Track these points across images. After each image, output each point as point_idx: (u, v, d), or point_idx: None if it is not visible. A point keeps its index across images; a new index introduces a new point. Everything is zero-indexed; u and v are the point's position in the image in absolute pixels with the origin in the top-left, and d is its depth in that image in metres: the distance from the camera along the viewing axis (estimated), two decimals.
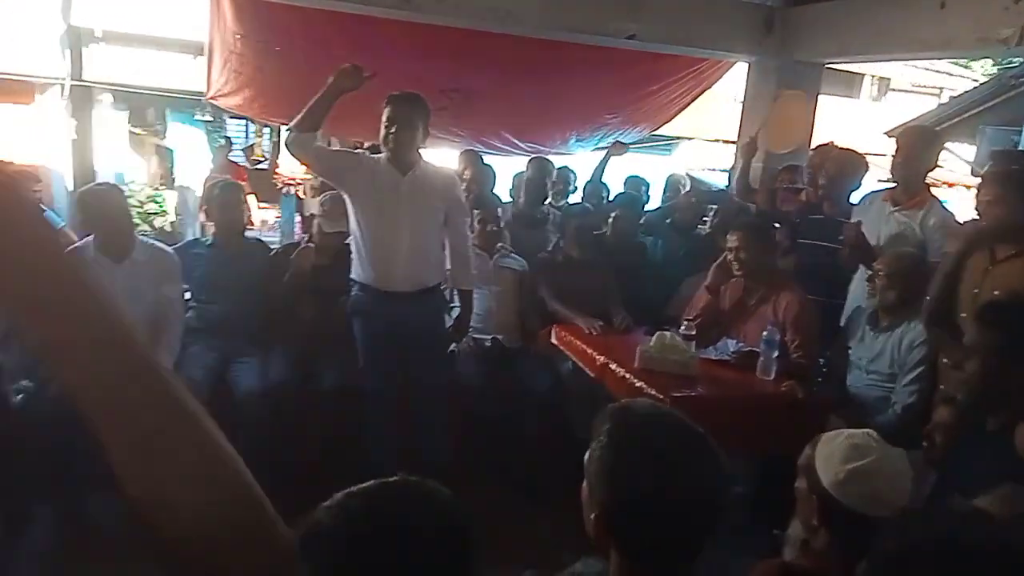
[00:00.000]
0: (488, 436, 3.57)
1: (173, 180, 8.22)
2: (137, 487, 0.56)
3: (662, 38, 4.32)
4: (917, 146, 3.16)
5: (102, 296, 0.57)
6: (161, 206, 7.61)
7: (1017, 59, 5.63)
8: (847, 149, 3.77)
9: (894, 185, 3.24)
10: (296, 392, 3.28)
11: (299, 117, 2.97)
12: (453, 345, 3.61)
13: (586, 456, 1.16)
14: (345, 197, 3.16)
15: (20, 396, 2.93)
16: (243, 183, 6.29)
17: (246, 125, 8.56)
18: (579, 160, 5.90)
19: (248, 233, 4.52)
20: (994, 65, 13.17)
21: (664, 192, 5.16)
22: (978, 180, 3.02)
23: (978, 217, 2.76)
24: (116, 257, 3.10)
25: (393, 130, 3.00)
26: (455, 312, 3.57)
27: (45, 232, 0.56)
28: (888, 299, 2.93)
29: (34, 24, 5.13)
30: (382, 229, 3.08)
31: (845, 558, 1.49)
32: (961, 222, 3.24)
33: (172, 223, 7.17)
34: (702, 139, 9.63)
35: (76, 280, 0.56)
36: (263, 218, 7.55)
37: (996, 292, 2.47)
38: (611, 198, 4.76)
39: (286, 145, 3.10)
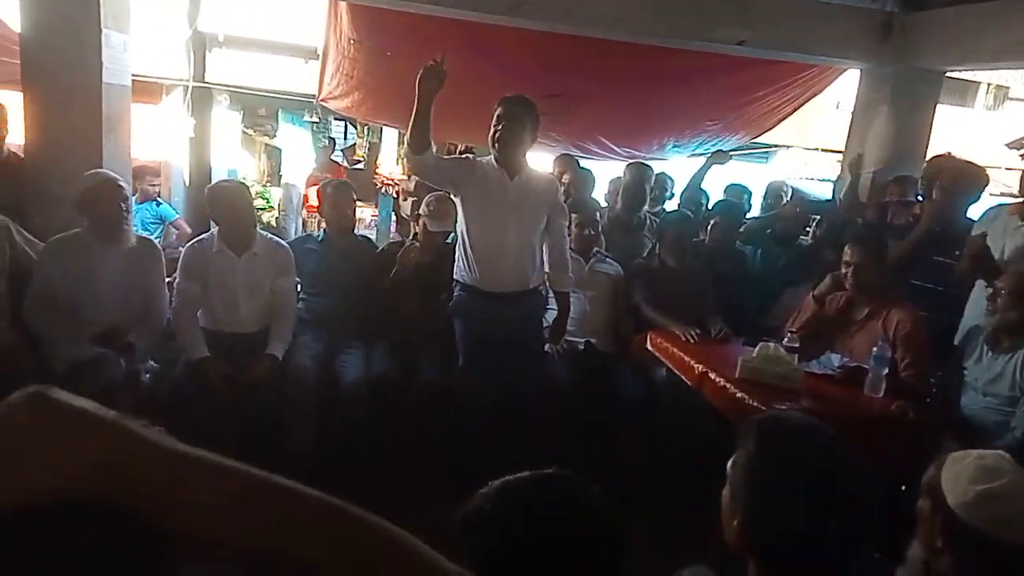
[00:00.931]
0: (579, 440, 3.59)
1: (280, 177, 8.63)
2: None
3: (773, 44, 4.23)
4: None
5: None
6: (268, 202, 7.99)
7: None
8: (965, 160, 3.60)
9: (1022, 199, 3.08)
10: (396, 385, 3.39)
11: (408, 139, 3.06)
12: (548, 347, 3.64)
13: (730, 462, 1.18)
14: (454, 199, 3.25)
15: (148, 376, 3.16)
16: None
17: (345, 126, 8.87)
18: (675, 166, 5.86)
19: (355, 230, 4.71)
20: None
21: (764, 200, 5.05)
22: None
23: None
24: (238, 249, 3.29)
25: (502, 128, 3.06)
26: (550, 314, 3.61)
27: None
28: (1010, 319, 2.79)
29: (164, 29, 5.50)
30: (490, 231, 3.16)
31: None
32: None
33: (277, 218, 7.51)
34: (800, 147, 9.35)
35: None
36: (360, 217, 7.81)
37: None
38: (710, 206, 4.70)
39: (405, 163, 3.23)
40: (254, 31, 6.28)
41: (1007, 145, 5.01)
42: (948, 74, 4.59)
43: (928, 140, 4.45)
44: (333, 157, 7.69)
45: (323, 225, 3.80)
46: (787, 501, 1.09)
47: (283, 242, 3.50)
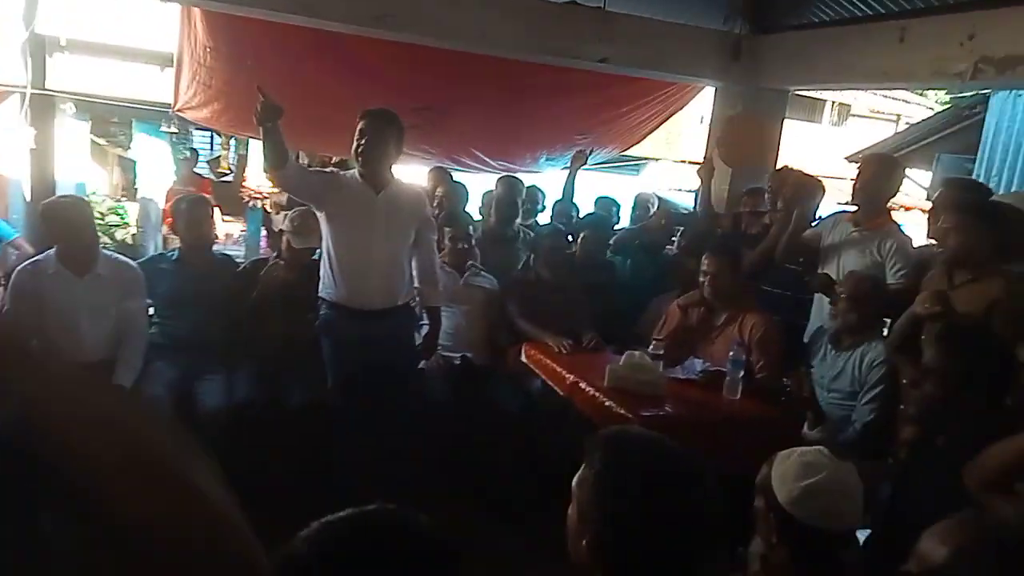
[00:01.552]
0: (457, 454, 3.55)
1: (136, 192, 8.08)
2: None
3: (633, 63, 4.40)
4: (879, 174, 3.26)
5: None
6: (123, 218, 7.46)
7: (970, 91, 5.85)
8: (803, 172, 3.87)
9: (855, 208, 3.33)
10: (262, 410, 3.22)
11: (263, 157, 3.00)
12: (422, 363, 3.59)
13: (575, 481, 1.17)
14: (319, 214, 3.15)
15: None
16: (207, 196, 6.23)
17: (211, 137, 8.46)
18: (548, 178, 5.97)
19: (213, 247, 4.47)
20: (947, 94, 13.68)
21: (633, 212, 5.23)
22: (932, 206, 3.12)
23: (935, 243, 2.86)
24: (79, 271, 3.03)
25: (364, 142, 3.01)
26: (424, 330, 3.56)
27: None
28: (849, 321, 3.01)
29: None
30: (356, 246, 3.08)
31: (803, 572, 1.53)
32: (917, 246, 3.37)
33: (133, 235, 7.02)
34: (670, 160, 9.80)
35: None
36: (227, 231, 7.45)
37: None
38: (581, 217, 4.80)
39: (269, 180, 3.12)
40: (103, 35, 5.86)
41: (846, 159, 5.38)
42: (797, 92, 4.93)
43: (778, 154, 4.75)
44: (196, 169, 7.30)
45: (174, 243, 3.57)
46: (634, 517, 1.10)
47: (131, 262, 3.27)
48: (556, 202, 5.04)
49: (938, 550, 1.06)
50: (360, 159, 3.03)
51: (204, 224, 3.46)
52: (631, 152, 7.37)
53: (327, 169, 3.78)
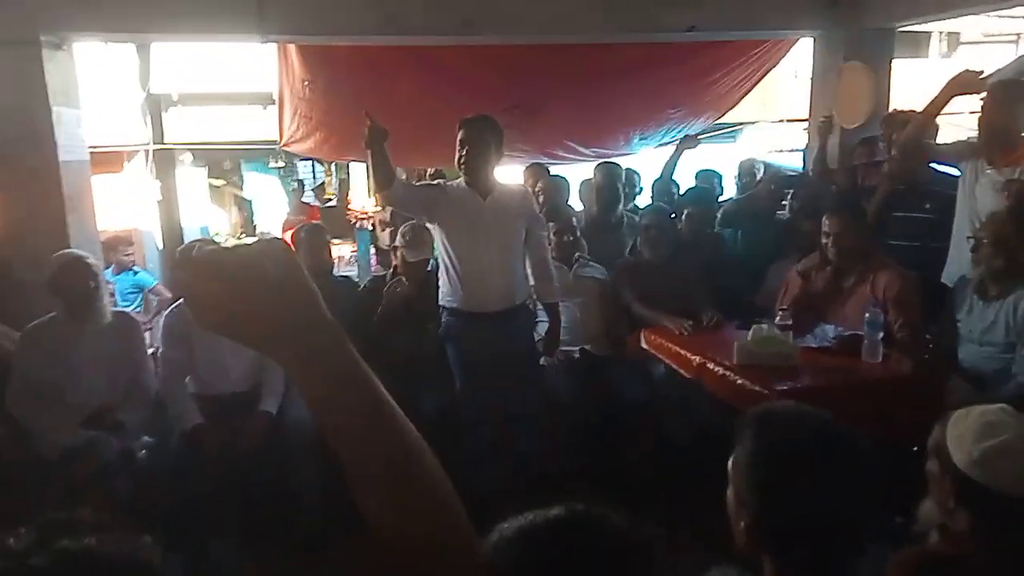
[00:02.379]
0: (587, 448, 3.56)
1: (254, 227, 8.59)
2: (380, 515, 0.67)
3: (723, 25, 4.23)
4: (1008, 102, 3.00)
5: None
6: None
7: None
8: (907, 112, 3.62)
9: (985, 144, 3.07)
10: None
11: (373, 180, 3.12)
12: (544, 360, 3.61)
13: (730, 463, 1.15)
14: (431, 226, 3.25)
15: (144, 452, 3.09)
16: (316, 222, 6.53)
17: (313, 166, 8.86)
18: (642, 158, 5.86)
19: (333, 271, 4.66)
20: None
21: (738, 180, 5.05)
22: None
23: None
24: None
25: (465, 152, 3.07)
26: (541, 328, 3.59)
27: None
28: (995, 266, 2.78)
29: (117, 96, 5.47)
30: (471, 253, 3.16)
31: (989, 538, 1.42)
32: None
33: None
34: (768, 121, 9.38)
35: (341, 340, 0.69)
36: (339, 254, 7.77)
37: None
38: (682, 193, 4.69)
39: (378, 201, 3.25)
40: (208, 85, 6.26)
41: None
42: (899, 29, 4.60)
43: (889, 97, 4.46)
44: (304, 199, 7.66)
45: None
46: (792, 493, 1.07)
47: None
48: (655, 181, 4.94)
49: None
50: (464, 168, 3.11)
51: (324, 250, 3.63)
52: (726, 119, 7.12)
53: (434, 182, 3.86)
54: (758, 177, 4.88)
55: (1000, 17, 13.66)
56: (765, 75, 5.29)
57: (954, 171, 3.32)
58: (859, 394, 2.88)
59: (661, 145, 5.89)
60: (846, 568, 1.09)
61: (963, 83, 3.10)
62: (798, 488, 1.06)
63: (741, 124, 9.47)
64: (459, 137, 3.08)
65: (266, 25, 3.37)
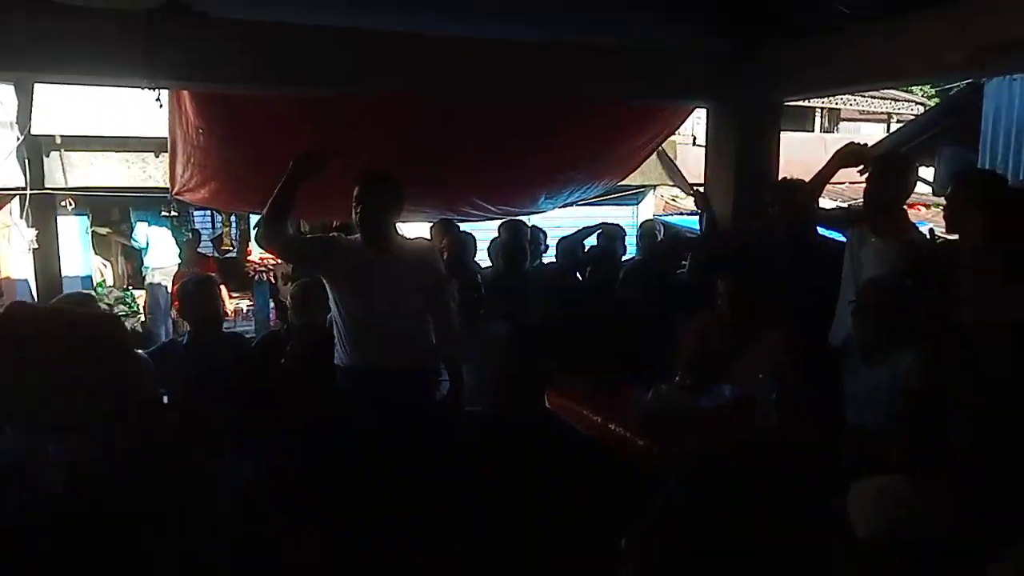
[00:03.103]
0: (498, 509, 3.44)
1: (143, 279, 8.10)
2: None
3: (624, 93, 4.38)
4: (891, 173, 3.20)
5: None
6: (131, 307, 7.46)
7: (962, 82, 5.82)
8: (794, 179, 3.82)
9: (870, 214, 3.25)
10: (283, 487, 3.13)
11: (265, 210, 2.96)
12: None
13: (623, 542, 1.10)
14: (324, 281, 3.11)
15: None
16: (213, 274, 6.22)
17: (212, 215, 8.52)
18: (549, 217, 5.94)
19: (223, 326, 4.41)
20: (933, 88, 13.70)
21: (639, 241, 5.17)
22: (952, 200, 3.01)
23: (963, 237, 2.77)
24: None
25: (360, 210, 3.00)
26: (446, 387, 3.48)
27: None
28: (865, 333, 2.90)
29: None
30: (360, 310, 3.05)
31: None
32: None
33: (143, 323, 7.01)
34: (669, 184, 9.77)
35: None
36: (236, 307, 7.44)
37: None
38: (587, 251, 4.74)
39: (256, 239, 3.08)
40: (96, 128, 5.92)
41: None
42: (786, 103, 4.89)
43: (777, 166, 4.70)
44: (200, 249, 7.32)
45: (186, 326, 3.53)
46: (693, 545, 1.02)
47: (141, 353, 3.22)
48: (560, 240, 4.99)
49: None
50: (359, 224, 3.02)
51: (212, 303, 3.42)
52: (629, 181, 7.34)
53: (328, 235, 3.74)
54: (658, 238, 5.01)
55: (874, 98, 14.99)
56: (663, 141, 5.49)
57: (840, 237, 3.50)
58: (755, 452, 2.92)
59: (566, 205, 5.99)
60: None
61: (849, 155, 3.28)
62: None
63: (644, 187, 9.83)
64: (355, 193, 3.01)
65: (155, 72, 3.20)
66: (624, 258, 4.90)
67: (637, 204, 10.14)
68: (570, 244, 4.86)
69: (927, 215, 6.41)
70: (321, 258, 3.09)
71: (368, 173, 3.03)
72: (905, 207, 3.28)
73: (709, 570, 1.05)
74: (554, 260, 4.85)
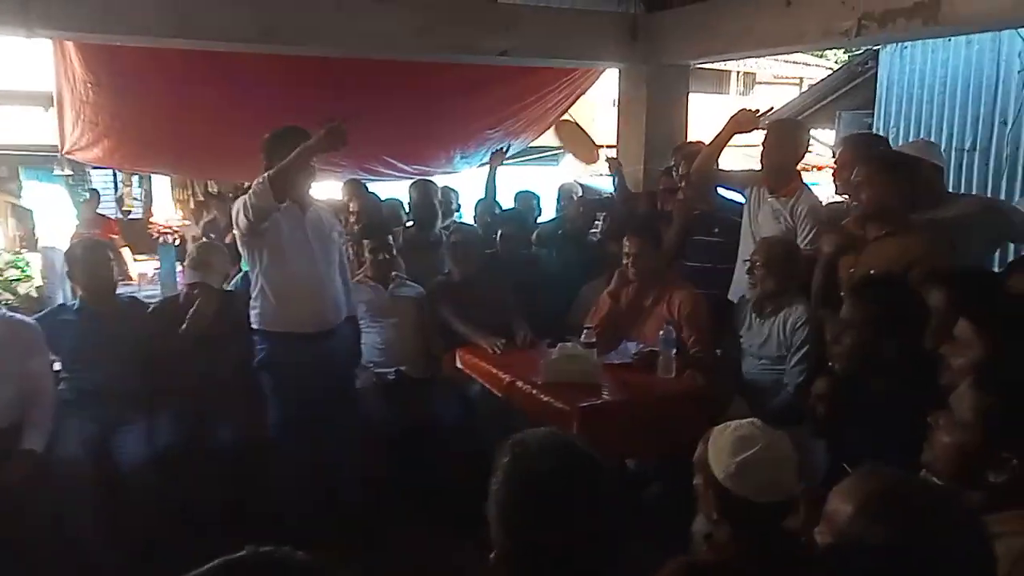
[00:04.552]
0: (404, 471, 3.47)
1: (36, 241, 7.61)
2: None
3: (533, 52, 4.37)
4: (783, 139, 3.32)
5: None
6: (24, 271, 7.01)
7: (860, 49, 6.05)
8: (696, 143, 3.93)
9: (766, 175, 3.37)
10: (189, 454, 3.07)
11: (271, 185, 2.71)
12: (358, 382, 3.49)
13: (488, 494, 1.13)
14: (245, 247, 3.00)
15: None
16: (116, 236, 5.93)
17: (113, 174, 8.06)
18: (465, 177, 5.91)
19: (127, 288, 4.26)
20: (845, 53, 14.20)
21: (557, 202, 5.20)
22: (836, 162, 3.19)
23: (847, 198, 2.91)
24: None
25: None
26: None
27: None
28: (768, 286, 3.05)
29: None
30: (295, 270, 2.99)
31: (746, 544, 1.52)
32: (826, 204, 3.45)
33: (39, 288, 6.61)
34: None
35: None
36: (141, 271, 7.11)
37: (872, 271, 2.60)
38: (500, 213, 4.76)
39: (251, 205, 2.78)
40: None
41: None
42: (701, 66, 4.99)
43: (686, 129, 4.81)
44: (100, 210, 6.93)
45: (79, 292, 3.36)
46: (537, 531, 1.06)
47: (27, 320, 3.07)
48: (478, 201, 4.98)
49: (843, 508, 1.05)
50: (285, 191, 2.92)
51: (103, 269, 3.26)
52: (548, 142, 7.36)
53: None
54: (575, 199, 5.06)
55: (787, 62, 15.40)
56: (576, 100, 5.53)
57: (740, 198, 3.62)
58: (655, 408, 3.04)
59: (482, 164, 5.97)
60: None
61: (740, 122, 3.39)
62: (541, 525, 1.06)
63: (563, 148, 9.85)
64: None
65: (31, 19, 2.97)
66: (539, 220, 4.94)
67: (557, 165, 10.17)
68: (486, 205, 4.86)
69: (821, 176, 6.68)
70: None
71: (279, 131, 2.91)
72: (799, 169, 3.41)
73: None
74: (471, 222, 4.85)
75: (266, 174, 2.74)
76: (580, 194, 5.22)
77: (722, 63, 11.96)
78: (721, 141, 3.44)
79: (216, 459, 3.09)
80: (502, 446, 1.15)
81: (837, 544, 1.03)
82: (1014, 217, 3.17)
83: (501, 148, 4.85)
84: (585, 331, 3.35)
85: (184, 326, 3.25)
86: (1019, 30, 4.47)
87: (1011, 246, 3.66)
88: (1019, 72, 4.69)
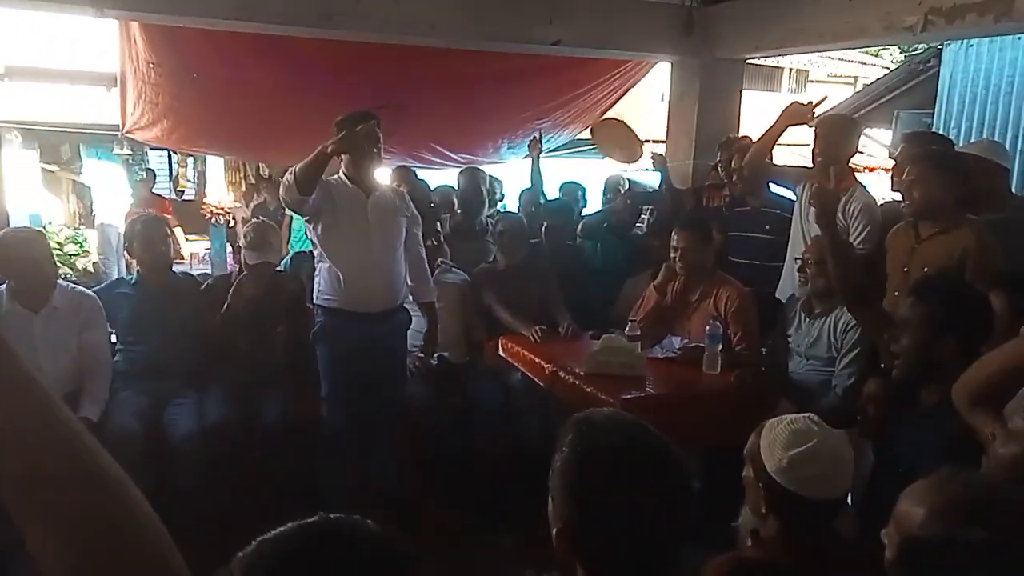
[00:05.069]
0: (442, 457, 3.51)
1: (93, 218, 7.88)
2: (49, 549, 0.57)
3: (586, 43, 4.34)
4: (836, 135, 3.24)
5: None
6: (82, 246, 7.27)
7: (922, 45, 5.88)
8: (744, 137, 3.86)
9: (819, 172, 3.30)
10: (237, 430, 3.14)
11: (298, 180, 2.83)
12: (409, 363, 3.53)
13: (550, 469, 1.13)
14: (310, 225, 3.11)
15: None
16: (169, 216, 6.09)
17: (169, 156, 8.27)
18: (511, 167, 5.91)
19: (178, 267, 4.37)
20: (901, 52, 13.80)
21: (604, 195, 5.17)
22: (894, 162, 3.11)
23: (900, 198, 2.84)
24: (34, 306, 2.93)
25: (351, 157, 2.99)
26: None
27: None
28: (818, 286, 2.99)
29: None
30: (357, 252, 3.06)
31: (795, 542, 1.50)
32: (881, 203, 3.36)
33: (95, 263, 6.84)
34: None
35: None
36: (192, 251, 7.30)
37: (925, 269, 2.54)
38: (545, 204, 4.74)
39: (281, 197, 2.99)
40: (43, 59, 5.68)
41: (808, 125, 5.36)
42: (753, 62, 4.91)
43: (738, 125, 4.73)
44: (156, 190, 7.13)
45: (135, 267, 3.47)
46: (602, 502, 1.05)
47: (88, 291, 3.17)
48: (523, 191, 4.98)
49: (915, 511, 1.03)
50: (351, 163, 3.02)
51: (160, 243, 3.35)
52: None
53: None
54: (621, 193, 5.03)
55: (842, 60, 15.05)
56: (626, 93, 5.48)
57: (791, 195, 3.56)
58: (699, 403, 3.01)
59: (528, 156, 5.96)
60: None
61: (794, 114, 3.33)
62: (609, 496, 1.05)
63: (600, 151, 9.78)
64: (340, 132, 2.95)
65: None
66: (584, 212, 4.92)
67: (603, 158, 10.10)
68: (532, 195, 4.85)
69: (874, 178, 6.52)
70: (322, 202, 3.00)
71: (348, 116, 2.95)
72: (852, 166, 3.33)
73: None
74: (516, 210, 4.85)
75: (292, 169, 2.84)
76: (627, 187, 5.19)
77: (775, 60, 11.76)
78: (774, 134, 3.38)
79: (263, 436, 3.16)
80: (567, 423, 1.15)
81: (912, 546, 1.01)
82: None
83: (535, 137, 4.80)
84: (630, 324, 3.33)
85: (226, 305, 3.32)
86: None
87: None
88: None
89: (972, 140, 4.80)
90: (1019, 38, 4.71)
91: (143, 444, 2.93)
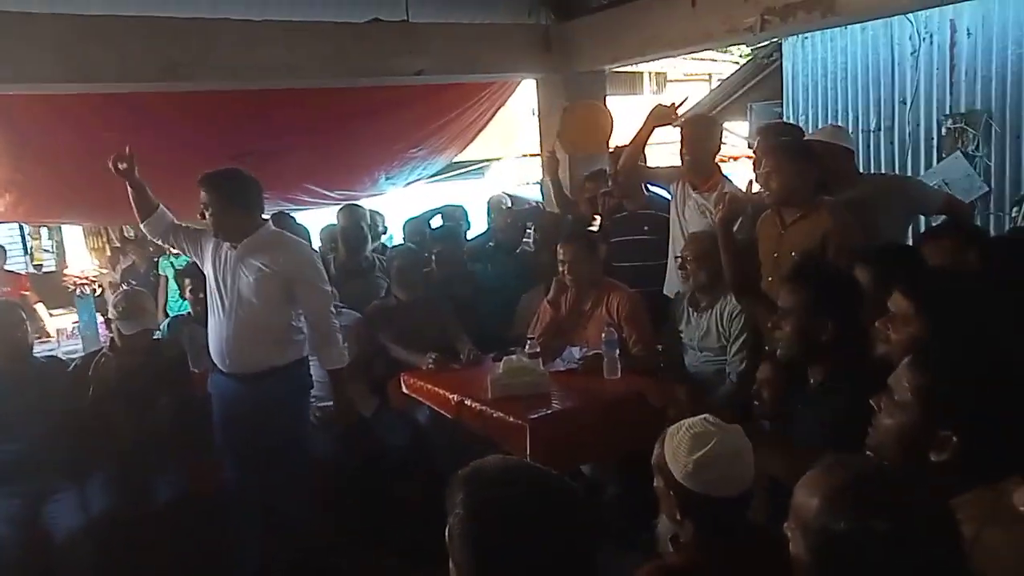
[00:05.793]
0: (357, 504, 3.38)
1: None
2: None
3: (448, 69, 4.36)
4: (699, 135, 3.39)
5: None
6: None
7: (765, 41, 6.27)
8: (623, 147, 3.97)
9: (687, 171, 3.44)
10: (129, 516, 2.91)
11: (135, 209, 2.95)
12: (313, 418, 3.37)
13: (447, 531, 1.09)
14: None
15: None
16: (27, 292, 5.61)
17: (20, 227, 7.65)
18: (391, 200, 5.86)
19: (45, 346, 4.03)
20: (748, 47, 14.74)
21: (488, 215, 5.18)
22: (754, 153, 3.28)
23: (760, 188, 3.00)
24: None
25: (211, 213, 2.83)
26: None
27: None
28: (700, 280, 3.11)
29: None
30: (217, 306, 2.93)
31: (712, 544, 1.53)
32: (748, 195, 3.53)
33: None
34: (511, 157, 9.89)
35: None
36: (59, 326, 6.74)
37: (793, 253, 2.68)
38: (431, 231, 4.71)
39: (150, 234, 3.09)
40: None
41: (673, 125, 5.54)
42: (615, 69, 5.06)
43: (611, 133, 4.85)
44: (8, 267, 6.55)
45: None
46: (508, 555, 1.03)
47: None
48: (407, 221, 4.93)
49: (809, 502, 1.06)
50: (214, 230, 2.88)
51: (16, 330, 3.06)
52: (472, 156, 7.36)
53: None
54: (504, 210, 5.05)
55: (696, 59, 15.88)
56: (495, 114, 5.54)
57: (666, 193, 3.68)
58: (605, 411, 3.04)
59: (408, 184, 5.92)
60: None
61: (659, 116, 3.46)
62: (513, 548, 1.03)
63: (488, 160, 9.88)
64: (201, 198, 2.82)
65: None
66: (469, 235, 4.92)
67: (483, 177, 10.19)
68: (417, 224, 4.81)
69: (738, 167, 6.88)
70: (194, 247, 3.00)
71: (209, 174, 2.83)
72: (717, 162, 3.49)
73: None
74: (401, 243, 4.79)
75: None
76: (509, 205, 5.22)
77: (634, 66, 12.28)
78: (642, 137, 3.50)
79: (159, 520, 2.94)
80: (454, 479, 1.12)
81: (813, 540, 1.04)
82: (922, 191, 3.34)
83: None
84: (528, 342, 3.34)
85: (91, 389, 3.07)
86: (908, 15, 4.72)
87: (922, 219, 3.83)
88: (911, 54, 4.95)
89: (820, 126, 5.14)
90: (847, 29, 5.12)
91: (21, 550, 2.67)
